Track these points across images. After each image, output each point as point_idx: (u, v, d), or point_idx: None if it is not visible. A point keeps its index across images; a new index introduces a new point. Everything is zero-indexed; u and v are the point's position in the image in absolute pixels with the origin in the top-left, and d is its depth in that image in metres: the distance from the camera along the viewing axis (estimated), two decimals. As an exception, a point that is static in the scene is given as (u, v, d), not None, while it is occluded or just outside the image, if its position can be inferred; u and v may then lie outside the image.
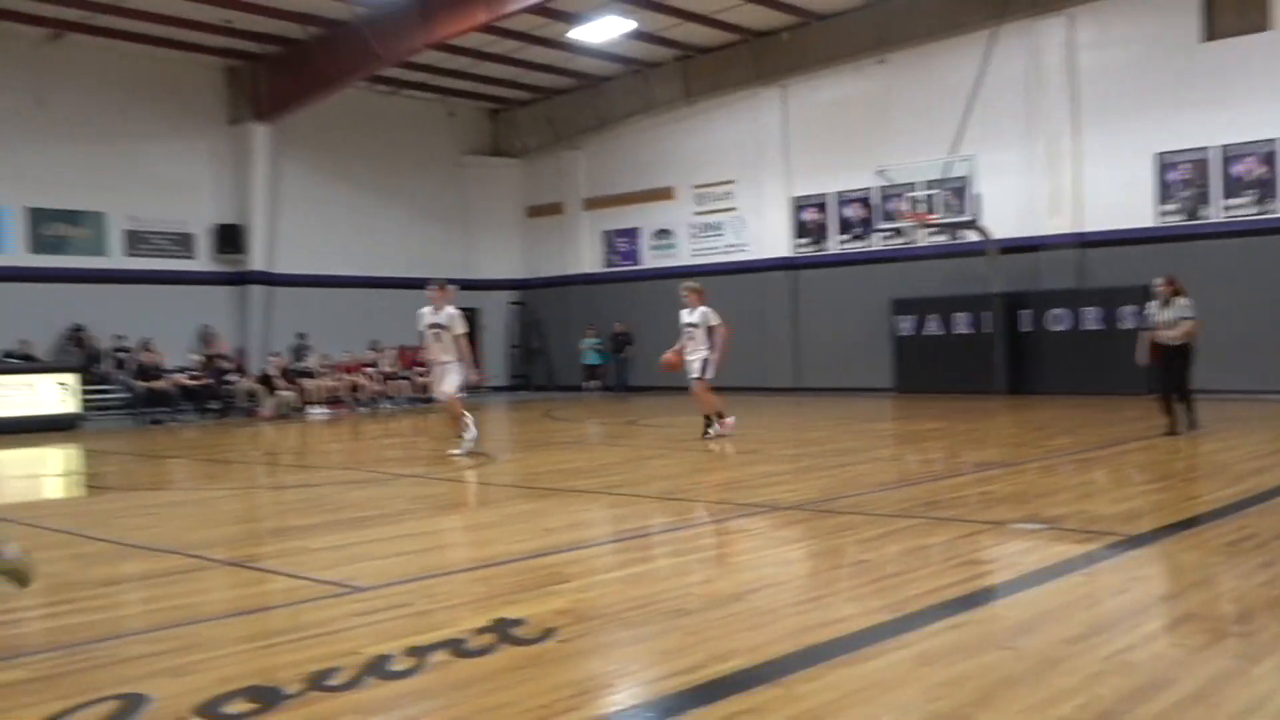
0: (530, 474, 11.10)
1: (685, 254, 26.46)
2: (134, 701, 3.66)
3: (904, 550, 6.14)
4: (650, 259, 27.31)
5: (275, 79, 24.11)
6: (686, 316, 13.01)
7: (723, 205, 25.70)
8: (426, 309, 11.82)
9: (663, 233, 26.99)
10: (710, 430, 12.93)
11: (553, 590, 5.35)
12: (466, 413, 11.92)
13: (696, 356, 12.87)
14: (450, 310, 11.84)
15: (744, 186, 25.20)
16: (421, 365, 24.68)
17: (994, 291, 20.45)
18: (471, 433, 11.78)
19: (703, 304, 12.96)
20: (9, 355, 19.98)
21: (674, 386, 25.77)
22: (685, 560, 6.24)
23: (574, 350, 28.01)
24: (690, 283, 13.53)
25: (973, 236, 20.85)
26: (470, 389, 12.10)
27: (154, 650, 4.39)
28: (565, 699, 3.64)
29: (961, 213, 20.34)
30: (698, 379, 12.87)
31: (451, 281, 28.17)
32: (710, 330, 12.84)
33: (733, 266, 25.16)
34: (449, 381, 11.78)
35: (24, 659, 4.35)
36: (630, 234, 27.71)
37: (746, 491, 8.78)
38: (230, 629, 4.86)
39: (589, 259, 28.60)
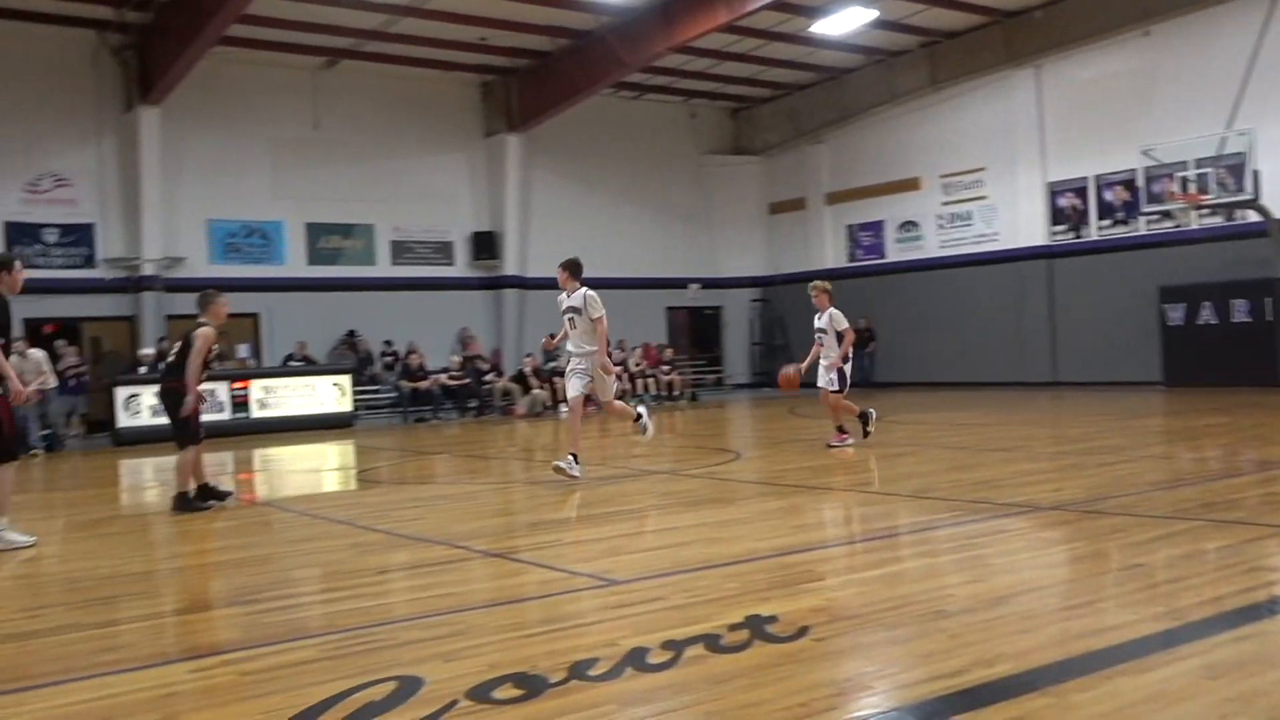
0: (777, 471, 11.05)
1: (933, 245, 25.72)
2: (409, 683, 3.86)
3: (1180, 555, 5.72)
4: (895, 252, 26.70)
5: (526, 91, 25.09)
6: (817, 321, 11.90)
7: (972, 194, 24.79)
8: (562, 294, 10.31)
9: (908, 225, 26.32)
10: (868, 429, 12.02)
11: (806, 588, 5.29)
12: (636, 408, 10.99)
13: (828, 364, 11.85)
14: (584, 291, 10.16)
15: (995, 173, 24.23)
16: (665, 363, 25.17)
17: (1277, 276, 18.83)
18: (648, 428, 10.69)
19: (831, 305, 11.86)
20: (290, 359, 21.63)
21: (922, 382, 25.36)
22: (942, 561, 6.03)
23: (818, 347, 27.69)
24: (819, 282, 12.42)
25: (1253, 217, 19.25)
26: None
27: (425, 636, 4.62)
28: (823, 698, 3.58)
29: (1239, 191, 18.80)
30: (835, 391, 11.86)
31: (695, 280, 28.79)
32: (840, 335, 11.75)
33: (984, 257, 24.26)
34: (592, 384, 10.26)
35: (309, 640, 4.68)
36: (874, 227, 27.16)
37: (1005, 491, 8.41)
38: (494, 617, 5.05)
39: (832, 254, 28.24)
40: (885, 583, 5.41)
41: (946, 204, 25.35)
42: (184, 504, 9.12)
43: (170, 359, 9.65)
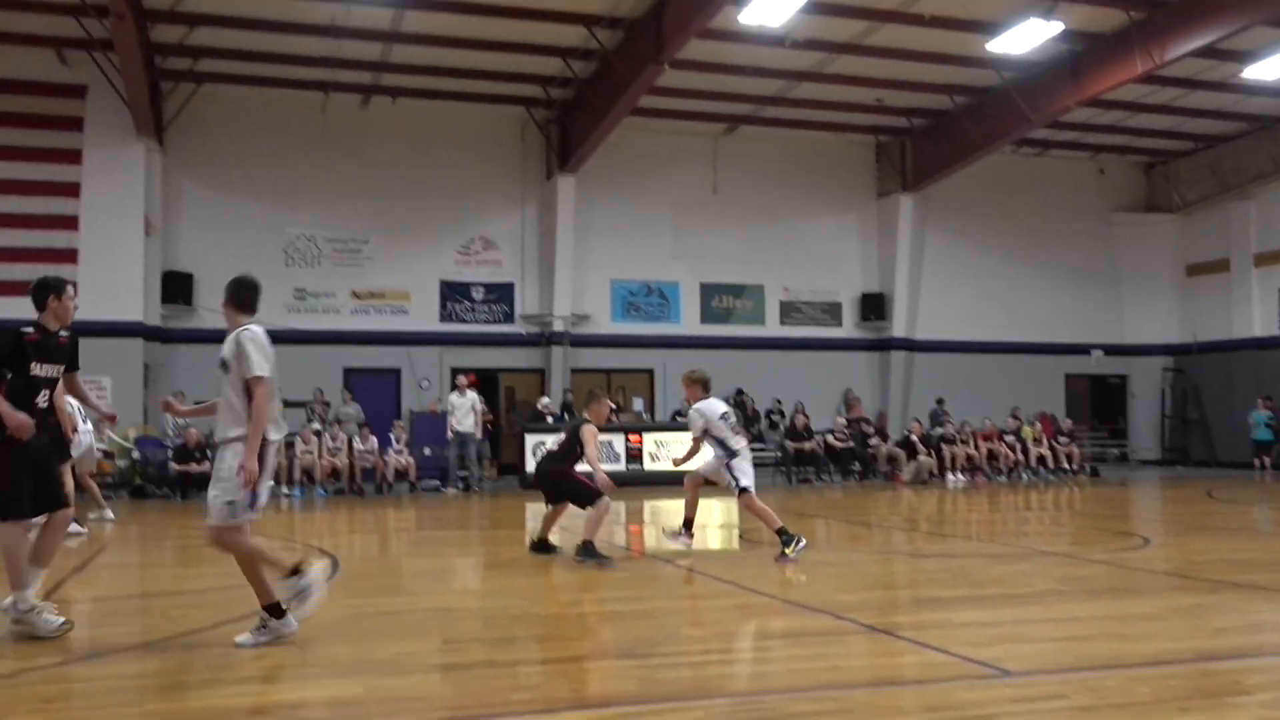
0: (1191, 561, 10.07)
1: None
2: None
3: None
4: (1341, 321, 23.77)
5: (921, 150, 24.84)
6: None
7: None
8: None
9: (1358, 290, 23.35)
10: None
11: (1232, 702, 4.78)
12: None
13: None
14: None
15: None
16: (1063, 435, 23.71)
17: None
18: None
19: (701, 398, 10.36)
20: (678, 414, 22.47)
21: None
22: (1403, 689, 5.23)
23: (1239, 423, 25.04)
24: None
25: None
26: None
27: (810, 710, 4.62)
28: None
29: None
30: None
31: (1097, 346, 26.98)
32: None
33: None
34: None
35: (698, 701, 4.81)
36: (1314, 292, 24.34)
37: None
38: (879, 698, 4.96)
39: (1260, 321, 25.56)
40: (1330, 708, 4.77)
41: None
42: (588, 552, 9.64)
43: (554, 449, 10.17)
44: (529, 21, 18.74)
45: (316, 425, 19.71)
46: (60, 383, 6.58)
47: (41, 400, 6.48)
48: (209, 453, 18.56)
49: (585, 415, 10.17)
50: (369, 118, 22.68)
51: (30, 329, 6.47)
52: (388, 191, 22.68)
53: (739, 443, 10.22)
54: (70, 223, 20.12)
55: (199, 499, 18.08)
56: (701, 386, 10.46)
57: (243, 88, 21.49)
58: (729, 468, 10.12)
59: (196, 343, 21.16)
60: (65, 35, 18.99)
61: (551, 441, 10.03)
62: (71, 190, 20.21)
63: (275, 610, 6.07)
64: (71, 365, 6.78)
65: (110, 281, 19.98)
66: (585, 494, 9.79)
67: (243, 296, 6.31)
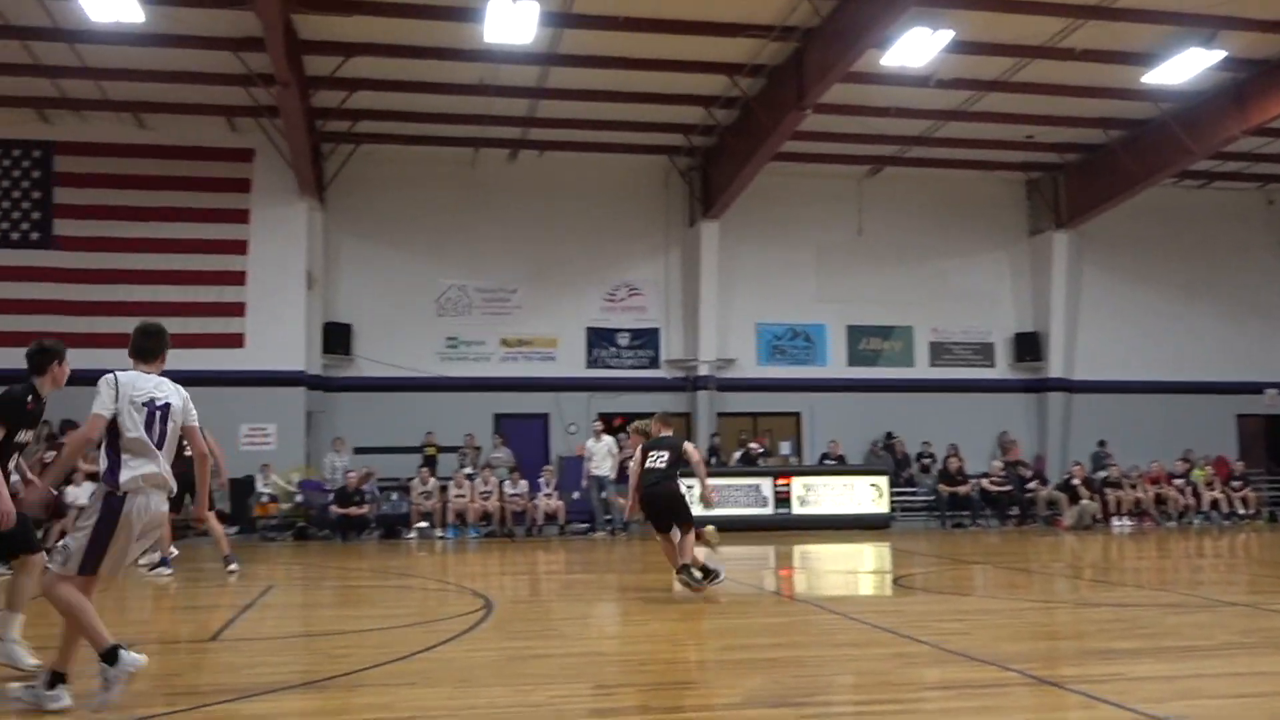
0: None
1: None
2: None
3: None
4: None
5: (1075, 186, 24.08)
6: None
7: None
8: None
9: None
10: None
11: None
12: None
13: None
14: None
15: None
16: (1236, 478, 22.44)
17: None
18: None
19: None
20: (825, 458, 22.15)
21: None
22: None
23: None
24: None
25: None
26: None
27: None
28: None
29: None
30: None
31: (1273, 385, 25.53)
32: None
33: None
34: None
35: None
36: None
37: None
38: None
39: None
40: None
41: None
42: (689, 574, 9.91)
43: (662, 467, 10.38)
44: (671, 73, 18.94)
45: (469, 469, 20.09)
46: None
47: (12, 465, 6.45)
48: (366, 495, 19.14)
49: (666, 434, 10.71)
50: (516, 171, 23.24)
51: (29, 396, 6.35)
52: (535, 241, 23.13)
53: None
54: (238, 278, 21.13)
55: (359, 541, 18.65)
56: (644, 436, 10.96)
57: (397, 147, 22.30)
58: None
59: (356, 390, 21.97)
60: (235, 104, 20.05)
61: (656, 461, 10.28)
62: (239, 248, 21.24)
63: (59, 678, 5.44)
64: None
65: (275, 333, 20.94)
66: (688, 515, 10.23)
67: (137, 344, 6.02)
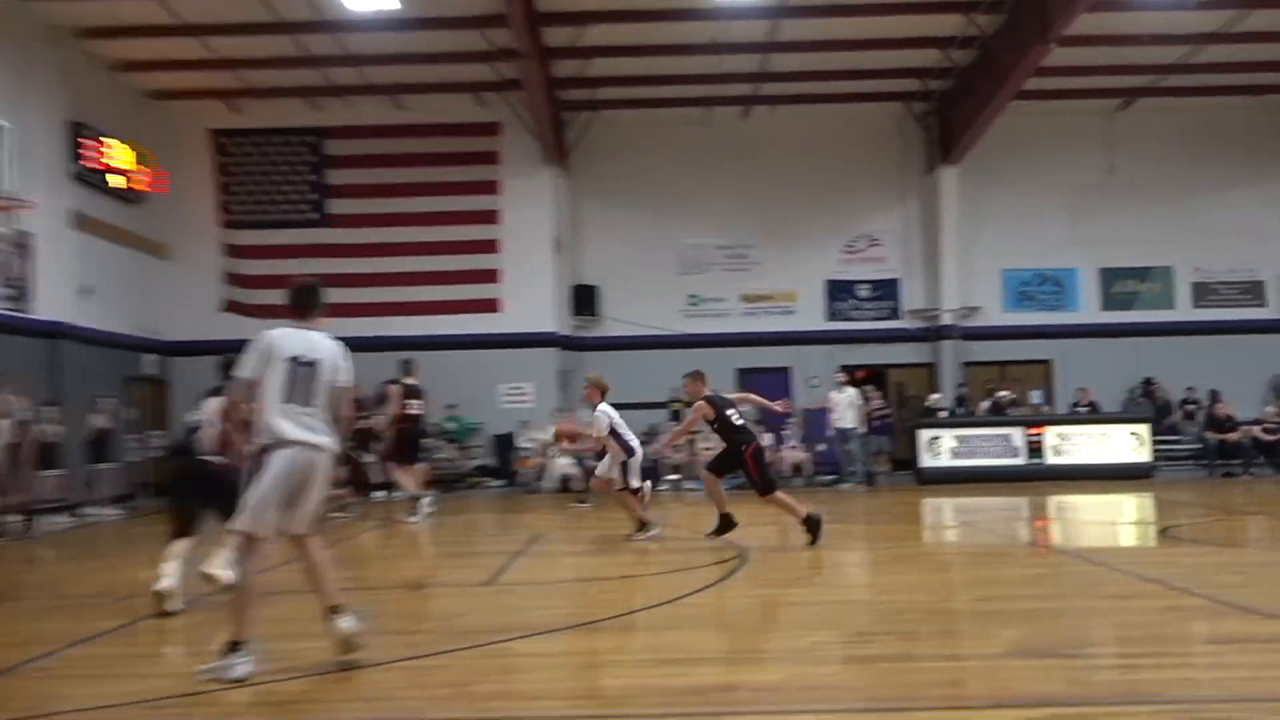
0: None
1: None
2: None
3: None
4: None
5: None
6: None
7: None
8: None
9: None
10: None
11: None
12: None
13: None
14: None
15: None
16: None
17: None
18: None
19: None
20: (1076, 406, 21.11)
21: None
22: None
23: None
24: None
25: None
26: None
27: (1271, 721, 4.18)
28: None
29: None
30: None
31: None
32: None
33: None
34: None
35: (1140, 705, 4.49)
36: None
37: None
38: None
39: None
40: None
41: None
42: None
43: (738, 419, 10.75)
44: (904, 16, 18.35)
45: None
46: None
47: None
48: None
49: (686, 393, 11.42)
50: (750, 127, 23.13)
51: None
52: (771, 196, 23.01)
53: (637, 443, 11.56)
54: (492, 246, 22.07)
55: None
56: (600, 391, 11.59)
57: (634, 111, 22.62)
58: (625, 466, 11.35)
59: (604, 349, 22.58)
60: (480, 80, 20.84)
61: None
62: (492, 217, 22.17)
63: (236, 646, 5.29)
64: None
65: (528, 297, 21.79)
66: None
67: (294, 300, 5.86)
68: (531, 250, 21.91)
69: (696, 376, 11.16)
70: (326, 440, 5.58)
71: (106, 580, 9.29)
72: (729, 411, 10.72)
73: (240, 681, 5.13)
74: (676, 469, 19.81)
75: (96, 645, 6.43)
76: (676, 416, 20.93)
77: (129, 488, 17.96)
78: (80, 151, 18.27)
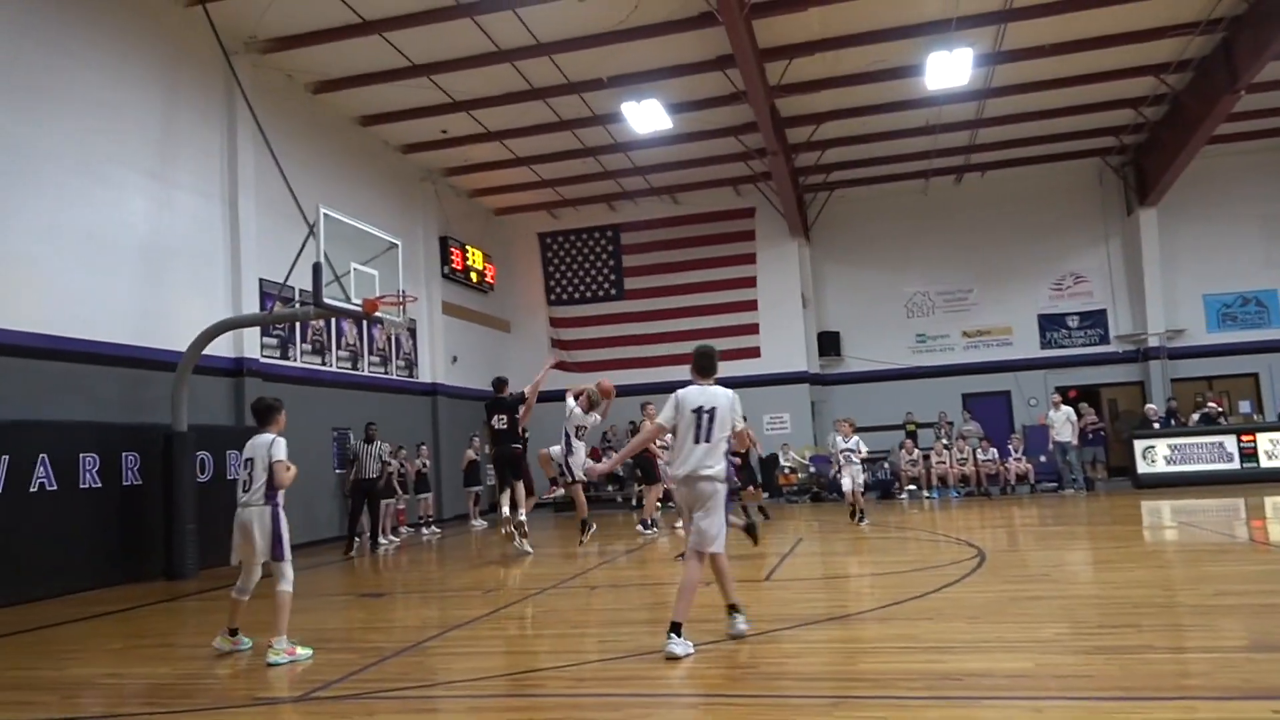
0: None
1: None
2: None
3: None
4: None
5: None
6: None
7: None
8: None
9: None
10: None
11: None
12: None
13: None
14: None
15: None
16: None
17: None
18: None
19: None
20: (1296, 413, 18.46)
21: None
22: None
23: None
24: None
25: None
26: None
27: None
28: None
29: None
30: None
31: None
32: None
33: None
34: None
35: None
36: None
37: None
38: None
39: None
40: None
41: None
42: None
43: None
44: (1099, 84, 16.91)
45: (944, 441, 19.29)
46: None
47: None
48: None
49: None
50: (962, 192, 22.00)
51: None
52: (984, 246, 21.73)
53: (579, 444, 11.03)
54: (751, 305, 22.02)
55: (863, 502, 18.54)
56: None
57: (862, 188, 22.05)
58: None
59: (847, 383, 22.00)
60: (738, 175, 20.98)
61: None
62: (750, 283, 22.14)
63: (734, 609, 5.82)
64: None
65: (783, 344, 21.58)
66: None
67: (699, 364, 6.07)
68: (783, 306, 21.72)
69: None
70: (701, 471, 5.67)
71: (474, 577, 9.80)
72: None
73: (677, 658, 5.22)
74: (914, 480, 18.86)
75: (469, 629, 6.76)
76: (912, 436, 20.05)
77: (489, 505, 19.06)
78: (448, 257, 19.81)
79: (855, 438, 13.12)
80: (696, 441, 5.67)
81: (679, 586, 5.54)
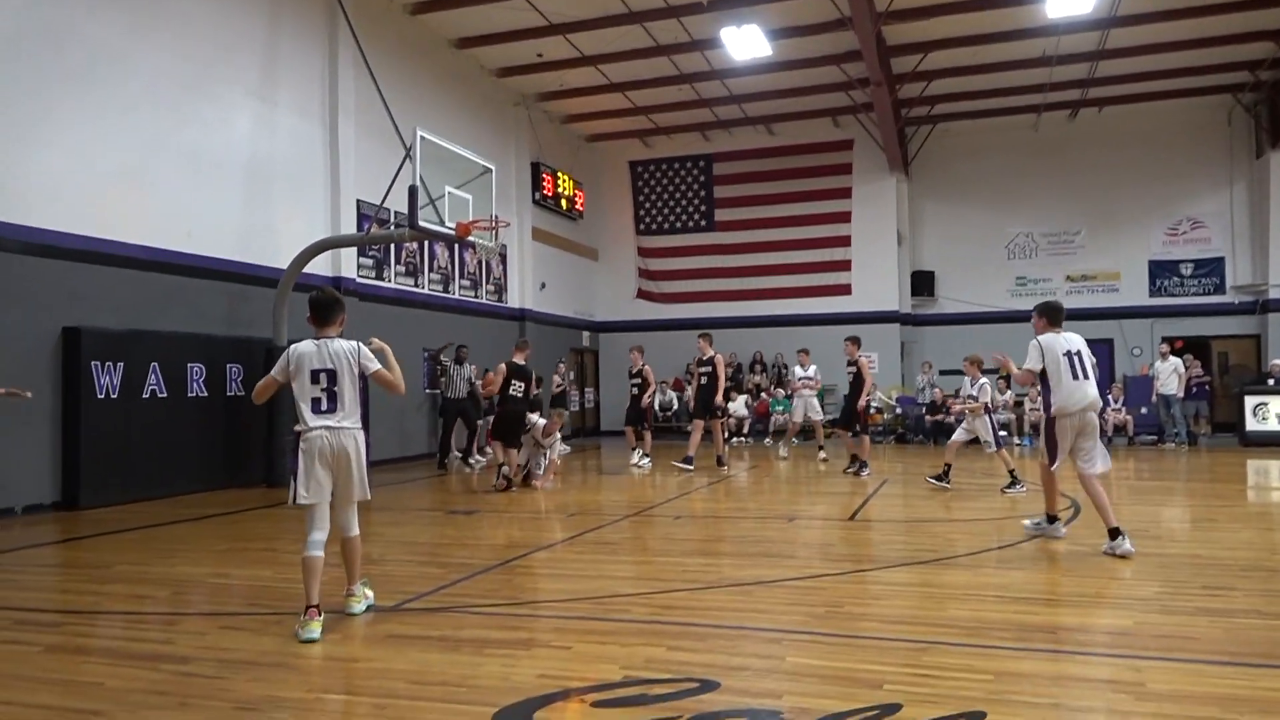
0: None
1: None
2: None
3: None
4: None
5: None
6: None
7: None
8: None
9: None
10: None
11: None
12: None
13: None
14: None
15: None
16: None
17: None
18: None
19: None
20: None
21: None
22: None
23: None
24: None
25: None
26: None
27: None
28: None
29: None
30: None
31: None
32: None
33: None
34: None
35: None
36: None
37: None
38: None
39: None
40: None
41: None
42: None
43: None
44: (1234, 14, 15.64)
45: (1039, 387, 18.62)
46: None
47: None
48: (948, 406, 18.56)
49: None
50: (1076, 128, 20.84)
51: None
52: (1096, 187, 20.64)
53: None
54: (845, 241, 21.49)
55: (945, 444, 18.17)
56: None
57: (968, 122, 21.08)
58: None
59: (939, 324, 21.40)
60: (837, 106, 20.26)
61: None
62: (845, 217, 21.56)
63: (1051, 519, 7.01)
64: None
65: (875, 283, 21.06)
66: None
67: (1050, 315, 6.98)
68: (878, 243, 21.15)
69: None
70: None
71: (558, 500, 9.97)
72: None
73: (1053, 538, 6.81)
74: (1005, 427, 18.34)
75: (554, 550, 6.89)
76: (1006, 380, 19.42)
77: (573, 429, 19.32)
78: (539, 183, 19.79)
79: (813, 366, 14.36)
80: (1075, 378, 6.49)
81: (1095, 504, 6.46)
